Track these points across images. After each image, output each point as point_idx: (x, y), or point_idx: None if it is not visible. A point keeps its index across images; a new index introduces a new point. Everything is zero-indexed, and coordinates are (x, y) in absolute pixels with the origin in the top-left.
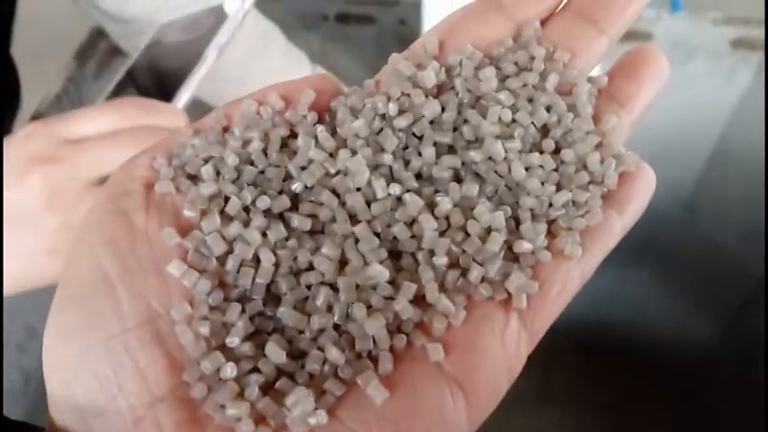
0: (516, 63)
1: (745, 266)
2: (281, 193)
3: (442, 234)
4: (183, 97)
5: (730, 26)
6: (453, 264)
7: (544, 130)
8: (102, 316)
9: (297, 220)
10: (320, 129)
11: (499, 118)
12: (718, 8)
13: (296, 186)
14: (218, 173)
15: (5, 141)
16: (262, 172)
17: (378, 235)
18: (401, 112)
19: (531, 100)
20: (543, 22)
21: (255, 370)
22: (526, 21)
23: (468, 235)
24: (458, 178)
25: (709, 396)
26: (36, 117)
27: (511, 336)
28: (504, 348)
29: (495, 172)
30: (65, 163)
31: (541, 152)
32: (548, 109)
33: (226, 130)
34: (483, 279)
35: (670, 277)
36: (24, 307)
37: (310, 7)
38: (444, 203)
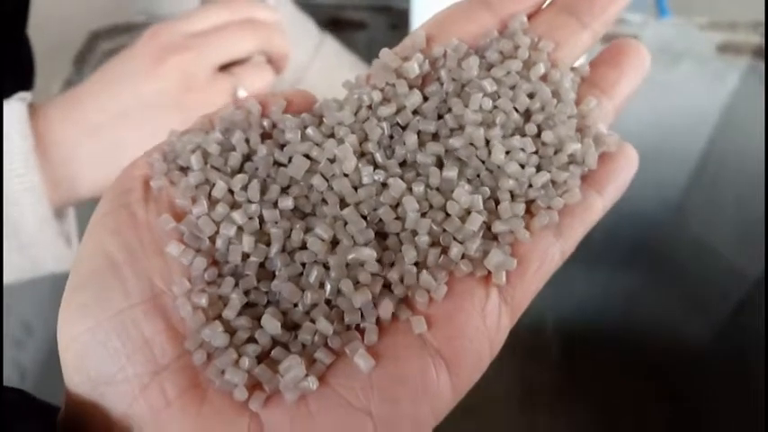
0: (501, 52)
1: (737, 268)
2: (268, 177)
3: (424, 215)
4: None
5: (717, 31)
6: (435, 243)
7: (527, 116)
8: (110, 294)
9: (284, 201)
10: (307, 118)
11: (480, 106)
12: (705, 13)
13: (283, 176)
14: (206, 162)
15: (129, 48)
16: (249, 160)
17: (365, 217)
18: (385, 102)
19: (513, 87)
20: (529, 18)
21: (252, 340)
22: (512, 15)
23: (448, 215)
24: (440, 164)
25: (702, 398)
26: None
27: (491, 310)
28: (485, 322)
29: (477, 156)
30: (193, 51)
31: (523, 135)
32: (531, 95)
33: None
34: (463, 256)
35: (661, 279)
36: (20, 303)
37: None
38: (418, 186)
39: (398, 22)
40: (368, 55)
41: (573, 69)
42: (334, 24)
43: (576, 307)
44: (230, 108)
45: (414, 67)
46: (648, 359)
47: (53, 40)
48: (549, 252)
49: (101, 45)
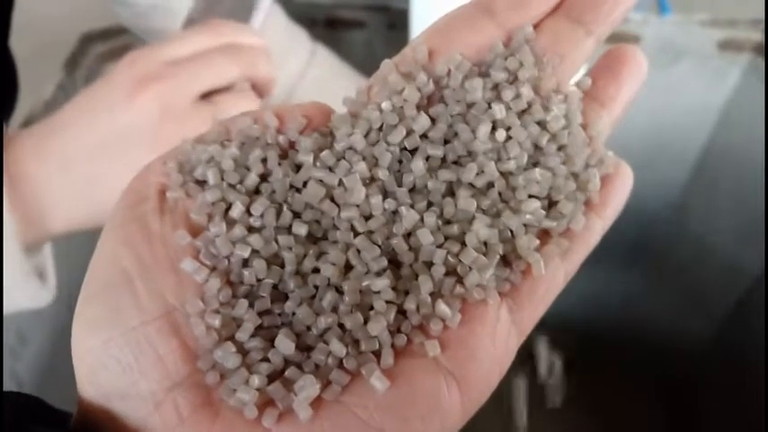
0: (507, 69)
1: (737, 266)
2: (285, 202)
3: (439, 246)
4: (257, 19)
5: (717, 28)
6: (450, 272)
7: (537, 144)
8: (123, 309)
9: (298, 228)
10: (320, 139)
11: (495, 136)
12: (706, 10)
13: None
14: (222, 178)
15: (106, 76)
16: (265, 180)
17: (378, 245)
18: (393, 126)
19: (523, 111)
20: (534, 26)
21: (265, 360)
22: (517, 26)
23: (464, 245)
24: (451, 190)
25: (703, 397)
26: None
27: (501, 333)
28: (495, 344)
29: (493, 186)
30: (172, 80)
31: (535, 164)
32: (540, 122)
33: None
34: (476, 284)
35: (662, 278)
36: (16, 315)
37: (300, 12)
38: (430, 216)
39: (396, 22)
40: (366, 54)
41: (576, 83)
42: (332, 24)
43: (575, 305)
44: (247, 120)
45: (413, 95)
46: (648, 357)
47: (44, 42)
48: (557, 276)
49: (93, 48)
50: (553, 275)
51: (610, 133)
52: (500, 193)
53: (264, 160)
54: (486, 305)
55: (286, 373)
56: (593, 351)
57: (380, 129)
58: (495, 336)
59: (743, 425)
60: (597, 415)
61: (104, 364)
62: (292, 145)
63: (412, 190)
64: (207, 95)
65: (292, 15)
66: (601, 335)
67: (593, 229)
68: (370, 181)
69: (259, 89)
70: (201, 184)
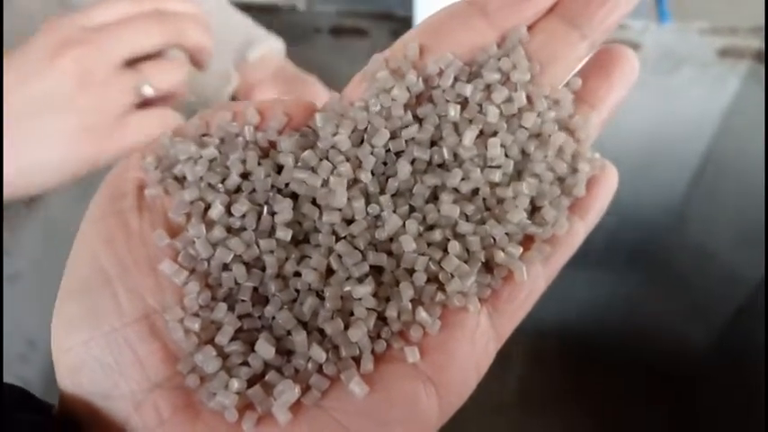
0: (500, 69)
1: (737, 273)
2: (266, 203)
3: (422, 252)
4: None
5: (717, 36)
6: (431, 279)
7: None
8: (103, 311)
9: (281, 232)
10: (301, 140)
11: (480, 141)
12: (705, 18)
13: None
14: (201, 177)
15: (24, 44)
16: (245, 178)
17: (360, 249)
18: (378, 129)
19: (513, 116)
20: (528, 28)
21: (245, 364)
22: (511, 27)
23: (446, 252)
24: (435, 195)
25: (704, 403)
26: None
27: (480, 338)
28: (475, 348)
29: (478, 194)
30: (92, 45)
31: (521, 172)
32: (530, 129)
33: (204, 136)
34: (458, 291)
35: (663, 285)
36: (25, 320)
37: (304, 20)
38: (412, 223)
39: (400, 30)
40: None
41: (567, 84)
42: (336, 32)
43: (577, 312)
44: (227, 116)
45: (402, 96)
46: (649, 364)
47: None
48: (537, 281)
49: None
50: (534, 281)
51: (597, 136)
52: (484, 200)
53: (244, 161)
54: (467, 311)
55: (266, 377)
56: (594, 356)
57: (366, 129)
58: (474, 341)
59: (742, 429)
60: (597, 418)
61: (85, 364)
62: (273, 144)
63: (395, 194)
64: (134, 63)
65: (297, 24)
66: (602, 340)
67: (577, 233)
68: (352, 183)
69: (194, 58)
70: (181, 181)
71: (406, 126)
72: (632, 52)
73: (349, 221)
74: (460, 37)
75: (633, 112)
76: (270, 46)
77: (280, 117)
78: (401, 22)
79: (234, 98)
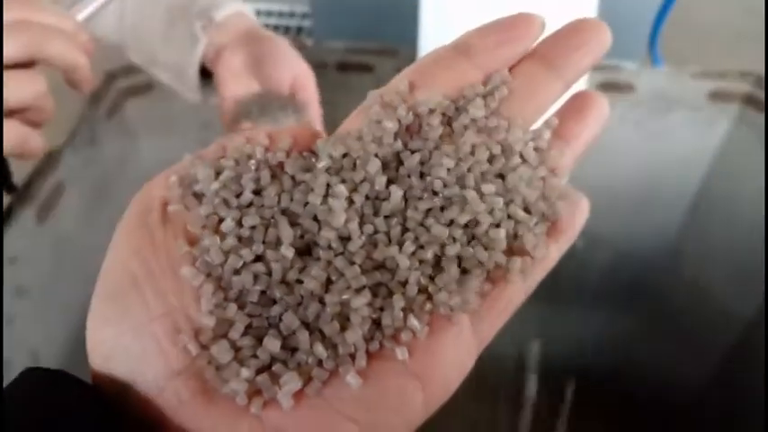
0: (488, 106)
1: (731, 310)
2: (272, 218)
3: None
4: (83, 12)
5: (708, 79)
6: (421, 290)
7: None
8: (133, 308)
9: (285, 249)
10: (303, 163)
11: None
12: (696, 62)
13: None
14: (217, 194)
15: None
16: (257, 193)
17: (357, 263)
18: (370, 158)
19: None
20: (510, 69)
21: (254, 356)
22: (493, 69)
23: (437, 266)
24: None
25: None
26: (54, 152)
27: (463, 342)
28: (458, 352)
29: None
30: None
31: (507, 203)
32: (512, 168)
33: (221, 158)
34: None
35: (657, 322)
36: (31, 334)
37: (312, 56)
38: (407, 246)
39: (403, 66)
40: None
41: (545, 123)
42: (343, 68)
43: (574, 349)
44: (242, 140)
45: (395, 125)
46: (645, 399)
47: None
48: (517, 293)
49: (116, 84)
50: (514, 293)
51: (572, 169)
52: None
53: (258, 180)
54: (452, 320)
55: (273, 368)
56: (588, 394)
57: (359, 157)
58: (457, 344)
59: None
60: None
61: (115, 354)
62: (281, 165)
63: (388, 216)
64: None
65: (305, 59)
66: (598, 376)
67: (551, 255)
68: (348, 203)
69: (66, 76)
70: (199, 197)
71: (397, 153)
72: (604, 97)
73: (346, 238)
74: (447, 77)
75: (628, 152)
76: (236, 7)
77: (286, 140)
78: (405, 59)
79: (203, 61)
